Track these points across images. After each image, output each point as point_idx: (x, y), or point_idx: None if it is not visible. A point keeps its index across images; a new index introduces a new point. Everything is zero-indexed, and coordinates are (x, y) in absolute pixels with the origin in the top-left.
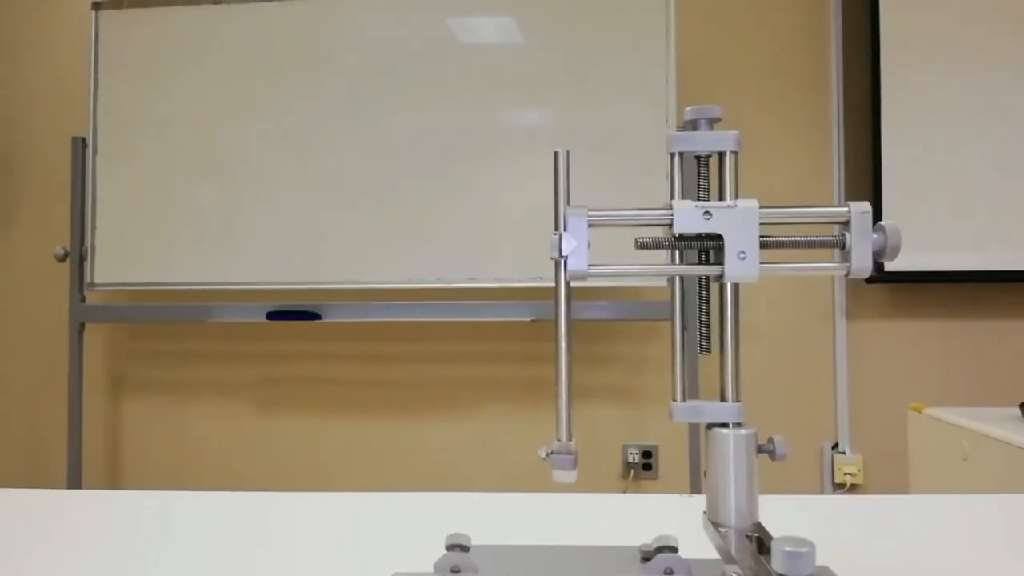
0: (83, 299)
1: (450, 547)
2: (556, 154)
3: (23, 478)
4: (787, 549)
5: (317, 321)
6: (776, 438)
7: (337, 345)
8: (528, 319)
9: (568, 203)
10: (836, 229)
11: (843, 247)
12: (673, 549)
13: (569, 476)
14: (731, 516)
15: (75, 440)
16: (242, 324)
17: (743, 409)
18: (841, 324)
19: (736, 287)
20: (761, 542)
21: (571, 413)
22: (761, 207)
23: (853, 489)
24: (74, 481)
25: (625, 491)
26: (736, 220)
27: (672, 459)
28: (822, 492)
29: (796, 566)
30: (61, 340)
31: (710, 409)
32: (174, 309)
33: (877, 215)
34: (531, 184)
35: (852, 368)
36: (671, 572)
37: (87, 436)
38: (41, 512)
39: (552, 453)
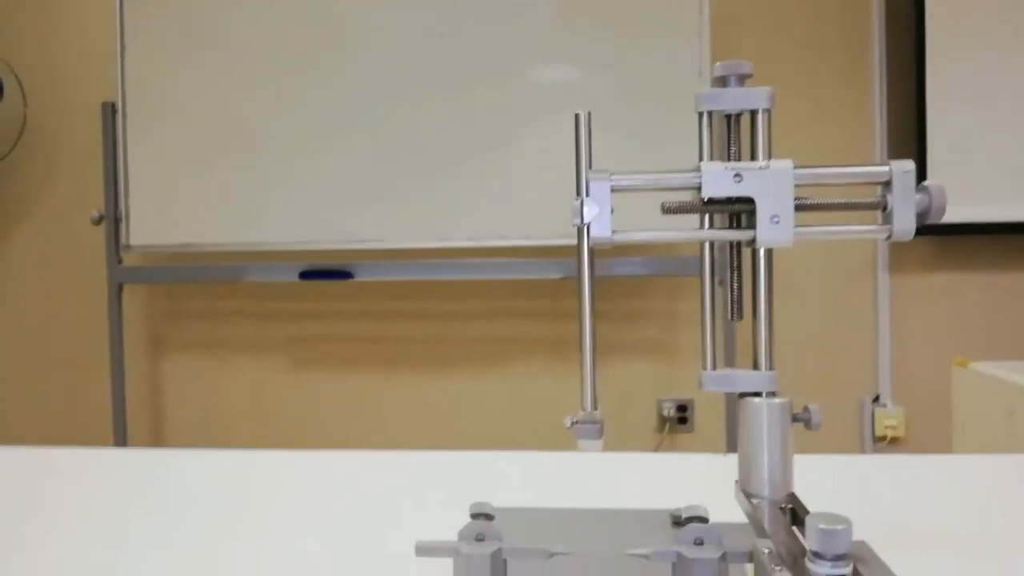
0: (120, 261)
1: (475, 515)
2: (577, 116)
3: (68, 440)
4: (822, 526)
5: (349, 280)
6: (812, 407)
7: (368, 303)
8: (557, 276)
9: (590, 167)
10: (878, 190)
11: (884, 209)
12: (703, 520)
13: (594, 445)
14: (764, 487)
15: (119, 400)
16: (275, 283)
17: (777, 377)
18: (883, 278)
19: (769, 252)
20: (795, 514)
21: (595, 381)
22: (795, 168)
23: (894, 442)
24: (120, 441)
25: (660, 445)
26: (768, 182)
27: (708, 413)
28: (862, 445)
29: (831, 544)
30: (101, 303)
31: (742, 378)
32: (208, 269)
33: (921, 171)
34: (560, 141)
35: (894, 321)
36: (701, 542)
37: (130, 396)
38: (90, 470)
39: (577, 422)
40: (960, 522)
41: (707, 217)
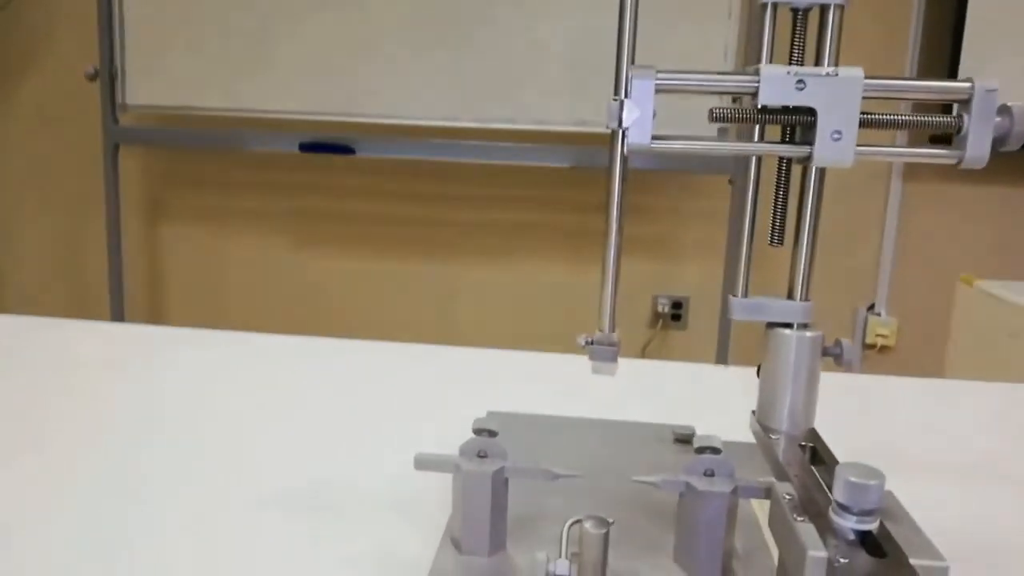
0: (116, 120)
1: (477, 430)
2: None
3: (64, 298)
4: (852, 479)
5: (350, 155)
6: (844, 341)
7: (370, 181)
8: (566, 165)
9: (633, 61)
10: (954, 109)
11: (959, 131)
12: (717, 450)
13: (609, 368)
14: (783, 422)
15: (115, 265)
16: (275, 154)
17: (812, 309)
18: (896, 185)
19: (822, 172)
20: (815, 452)
21: (616, 302)
22: (866, 78)
23: (883, 351)
24: (116, 306)
25: (651, 341)
26: (834, 92)
27: (702, 312)
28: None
29: (861, 499)
30: (97, 163)
31: (774, 307)
32: (207, 134)
33: (952, 74)
34: (576, 17)
35: (901, 231)
36: (712, 473)
37: (127, 260)
38: (86, 345)
39: (592, 342)
40: (954, 448)
41: (757, 129)
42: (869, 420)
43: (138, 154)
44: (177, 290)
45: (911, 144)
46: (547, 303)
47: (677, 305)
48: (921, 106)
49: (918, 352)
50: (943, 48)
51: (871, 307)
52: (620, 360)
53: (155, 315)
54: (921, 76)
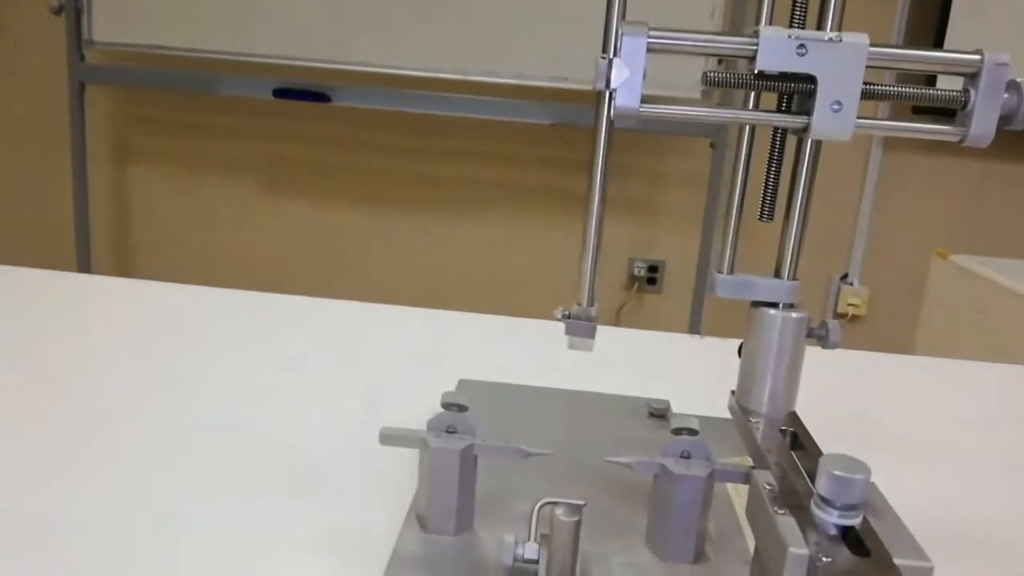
0: (82, 57)
1: (446, 405)
2: None
3: (28, 242)
4: (837, 473)
5: (326, 104)
6: (830, 323)
7: (346, 131)
8: (547, 122)
9: (623, 16)
10: (961, 82)
11: (964, 106)
12: (693, 432)
13: (586, 344)
14: (764, 404)
15: (82, 207)
16: (248, 100)
17: (800, 289)
18: (876, 154)
19: (818, 145)
20: (796, 437)
21: (596, 273)
22: (871, 46)
23: (854, 320)
24: (83, 250)
25: (626, 304)
26: (837, 60)
27: (678, 276)
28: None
29: (845, 493)
30: (63, 102)
31: (761, 285)
32: (177, 75)
33: (939, 43)
34: None
35: (879, 201)
36: (688, 455)
37: (94, 203)
38: (56, 295)
39: (569, 316)
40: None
41: (752, 97)
42: (842, 395)
43: (105, 94)
44: (145, 235)
45: (892, 116)
46: (525, 261)
47: (653, 269)
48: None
49: (889, 323)
50: (930, 16)
51: (844, 276)
52: (604, 329)
53: (122, 260)
54: (912, 45)
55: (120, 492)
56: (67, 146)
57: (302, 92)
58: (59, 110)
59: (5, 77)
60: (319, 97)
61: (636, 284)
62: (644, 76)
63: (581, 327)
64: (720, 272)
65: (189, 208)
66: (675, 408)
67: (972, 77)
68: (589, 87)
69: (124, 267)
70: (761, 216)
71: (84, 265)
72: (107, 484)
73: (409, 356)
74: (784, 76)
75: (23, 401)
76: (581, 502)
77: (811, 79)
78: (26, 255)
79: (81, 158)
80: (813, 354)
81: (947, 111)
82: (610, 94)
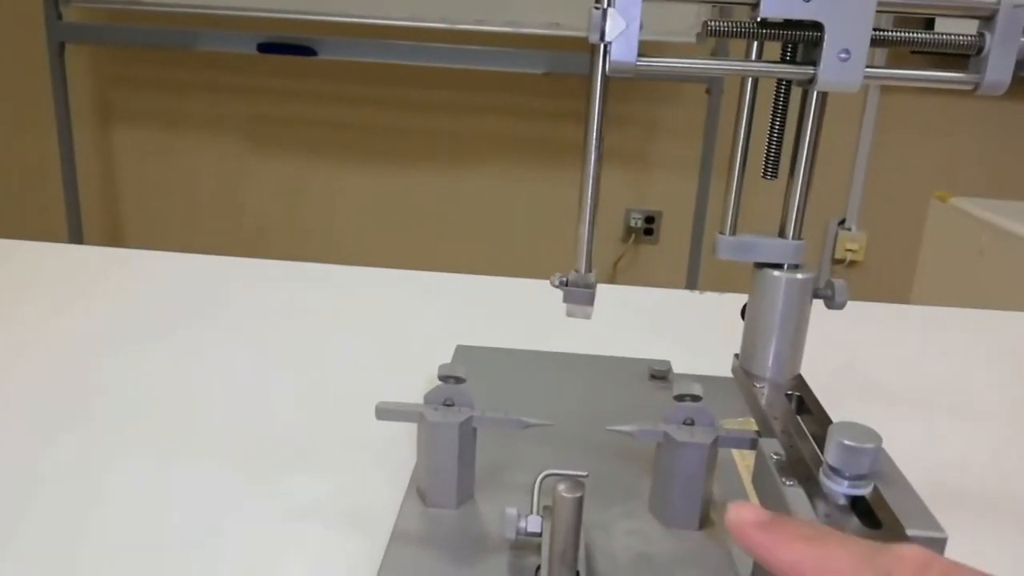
0: (59, 16)
1: (443, 378)
2: None
3: (20, 207)
4: (847, 442)
5: (312, 58)
6: (837, 283)
7: (333, 85)
8: (540, 71)
9: None
10: (976, 26)
11: (979, 51)
12: (697, 398)
13: (584, 312)
14: (768, 368)
15: (69, 170)
16: (232, 55)
17: (805, 248)
18: (873, 96)
19: (824, 97)
20: (802, 401)
21: (593, 238)
22: None
23: (851, 266)
24: (73, 212)
25: (622, 256)
26: (845, 6)
27: (674, 226)
28: (819, 266)
29: (854, 463)
30: (42, 64)
31: (763, 246)
32: (158, 32)
33: None
34: None
35: (876, 144)
36: (691, 423)
37: (81, 166)
38: (44, 268)
39: (567, 284)
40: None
41: (755, 47)
42: (839, 347)
43: (86, 54)
44: (133, 196)
45: (889, 62)
46: (520, 215)
47: (650, 220)
48: (900, 20)
49: (886, 268)
50: None
51: (842, 222)
52: (603, 287)
53: (111, 222)
54: None
55: (112, 464)
56: (50, 109)
57: (286, 46)
58: (39, 72)
59: None
60: (304, 51)
61: (633, 236)
62: (640, 27)
63: (579, 294)
64: (722, 234)
65: (175, 167)
66: (676, 368)
67: (987, 20)
68: (583, 34)
69: (114, 229)
70: (765, 174)
71: (75, 228)
72: (99, 456)
73: (404, 321)
74: (789, 24)
75: (21, 374)
76: (584, 473)
77: (818, 26)
78: (15, 221)
79: (66, 121)
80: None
81: (955, 56)
82: (605, 47)
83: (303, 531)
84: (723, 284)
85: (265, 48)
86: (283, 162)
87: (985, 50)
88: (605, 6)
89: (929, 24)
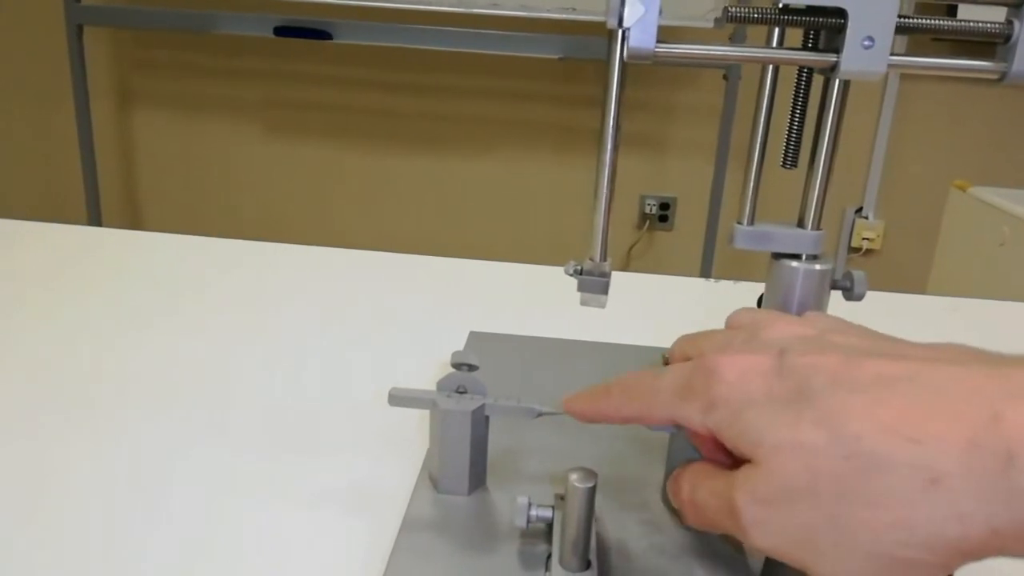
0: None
1: (456, 365)
2: None
3: (38, 189)
4: None
5: (328, 41)
6: (856, 274)
7: (348, 69)
8: (556, 56)
9: None
10: (1004, 13)
11: (1007, 39)
12: None
13: (599, 301)
14: None
15: (87, 153)
16: (249, 39)
17: (824, 239)
18: (892, 83)
19: (846, 85)
20: None
21: (609, 227)
22: None
23: (868, 255)
24: (91, 194)
25: (637, 243)
26: None
27: (689, 212)
28: (836, 255)
29: None
30: (61, 47)
31: (782, 236)
32: (176, 15)
33: None
34: None
35: (895, 131)
36: None
37: (99, 149)
38: (62, 249)
39: (582, 272)
40: None
41: (776, 34)
42: None
43: (104, 37)
44: (150, 180)
45: (909, 49)
46: (533, 200)
47: (664, 206)
48: (920, 7)
49: (904, 257)
50: None
51: (859, 210)
52: (620, 275)
53: (129, 204)
54: None
55: (121, 448)
56: (68, 93)
57: (302, 30)
58: (58, 56)
59: (3, 25)
60: (320, 34)
61: (647, 223)
62: (660, 12)
63: (594, 283)
64: (740, 223)
65: (193, 149)
66: None
67: (1016, 8)
68: (599, 18)
69: (132, 211)
70: (784, 163)
71: (94, 210)
72: (109, 440)
73: (418, 307)
74: (811, 10)
75: (38, 356)
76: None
77: (841, 13)
78: (35, 203)
79: (84, 104)
80: (832, 294)
81: (979, 44)
82: (623, 33)
83: (315, 516)
84: (738, 271)
85: (281, 32)
86: (298, 145)
87: (1013, 38)
88: None
89: (951, 11)
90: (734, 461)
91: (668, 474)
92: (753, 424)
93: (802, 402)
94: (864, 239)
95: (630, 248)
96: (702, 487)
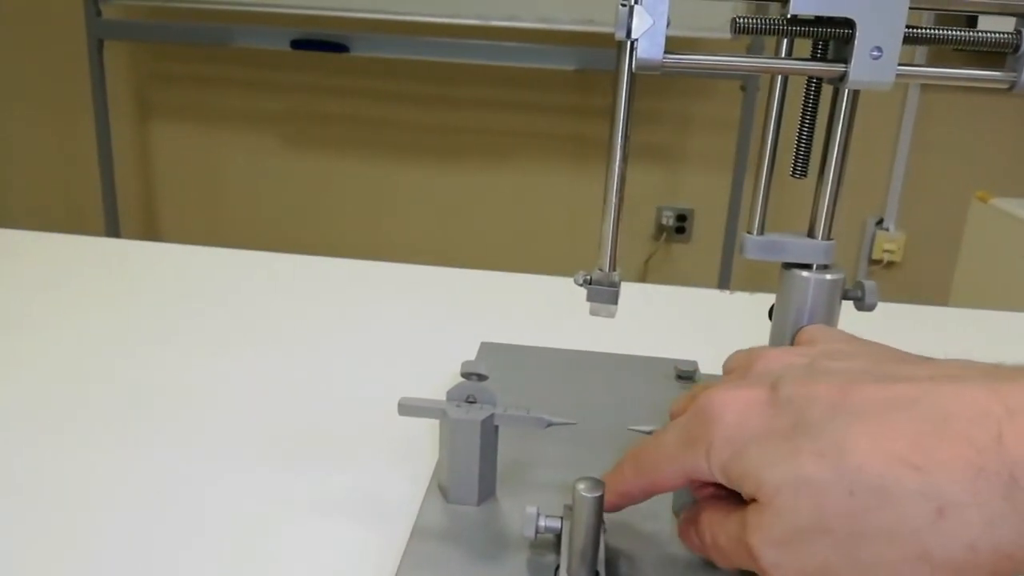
0: (99, 13)
1: (466, 374)
2: None
3: (56, 203)
4: None
5: (345, 54)
6: (867, 284)
7: (365, 82)
8: (571, 68)
9: None
10: (1014, 23)
11: (1016, 49)
12: None
13: (608, 311)
14: None
15: (107, 166)
16: (267, 52)
17: (834, 249)
18: (913, 93)
19: (856, 95)
20: None
21: (618, 237)
22: None
23: (889, 267)
24: (110, 207)
25: (653, 255)
26: (878, 2)
27: (707, 224)
28: (857, 267)
29: None
30: (81, 61)
31: (792, 245)
32: (194, 29)
33: None
34: None
35: (916, 142)
36: None
37: (118, 161)
38: (83, 259)
39: (592, 282)
40: None
41: (784, 44)
42: None
43: (124, 51)
44: (168, 192)
45: (932, 60)
46: (548, 211)
47: (681, 218)
48: (942, 18)
49: (925, 269)
50: None
51: (879, 221)
52: (631, 285)
53: (148, 217)
54: None
55: (133, 456)
56: (89, 106)
57: (319, 42)
58: (79, 69)
59: (22, 37)
60: (337, 47)
61: (664, 234)
62: (668, 23)
63: (603, 293)
64: (750, 233)
65: (211, 162)
66: (704, 368)
67: None
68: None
69: (150, 224)
70: (794, 173)
71: (112, 223)
72: (122, 447)
73: (430, 317)
74: (820, 20)
75: (55, 366)
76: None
77: (849, 23)
78: (54, 215)
79: (104, 117)
80: (846, 306)
81: (995, 54)
82: (631, 44)
83: (324, 525)
84: (756, 284)
85: (298, 44)
86: (315, 157)
87: (1022, 48)
88: (632, 3)
89: (973, 22)
90: (737, 496)
91: (676, 496)
92: (754, 462)
93: (800, 435)
94: (885, 251)
95: (647, 260)
96: (720, 533)
